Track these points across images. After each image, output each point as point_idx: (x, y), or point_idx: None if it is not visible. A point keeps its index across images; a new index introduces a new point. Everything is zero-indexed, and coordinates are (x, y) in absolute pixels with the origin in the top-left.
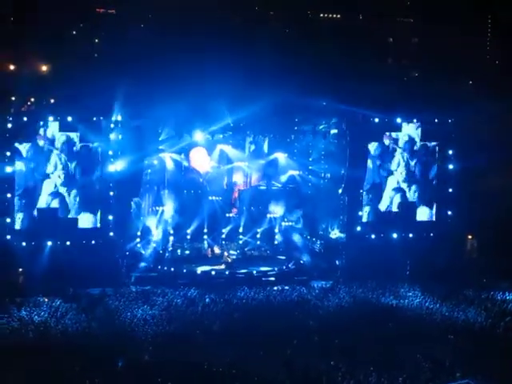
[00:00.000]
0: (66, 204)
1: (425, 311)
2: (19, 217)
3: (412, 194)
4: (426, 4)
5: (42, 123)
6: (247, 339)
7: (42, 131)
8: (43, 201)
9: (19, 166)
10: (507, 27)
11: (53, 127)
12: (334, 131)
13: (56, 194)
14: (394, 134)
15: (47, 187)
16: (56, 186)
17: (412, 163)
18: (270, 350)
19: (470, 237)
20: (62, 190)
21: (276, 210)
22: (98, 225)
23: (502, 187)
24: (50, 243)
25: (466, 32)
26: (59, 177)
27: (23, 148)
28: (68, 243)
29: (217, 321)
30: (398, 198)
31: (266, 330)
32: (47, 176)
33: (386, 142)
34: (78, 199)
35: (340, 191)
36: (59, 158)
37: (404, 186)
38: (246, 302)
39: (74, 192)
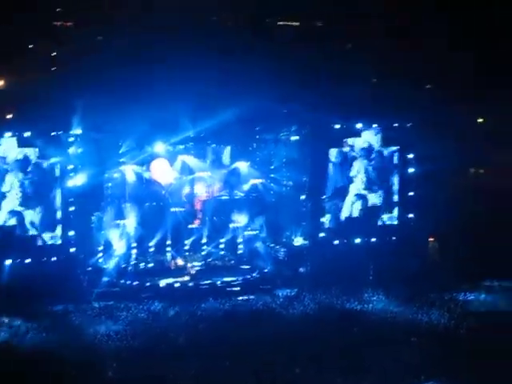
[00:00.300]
0: (26, 221)
1: (389, 315)
2: None
3: (374, 199)
4: (382, 8)
5: None
6: (213, 350)
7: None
8: (1, 219)
9: None
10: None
11: (10, 143)
12: (294, 138)
13: (14, 212)
14: (354, 140)
15: (5, 205)
16: (14, 203)
17: (373, 168)
18: (237, 360)
19: (431, 240)
20: (21, 207)
21: (239, 219)
22: (59, 241)
23: (463, 189)
24: (9, 262)
25: (423, 35)
26: (17, 194)
27: None
28: (28, 261)
29: (182, 333)
30: (360, 203)
31: (232, 340)
32: (4, 194)
33: (347, 147)
34: (37, 216)
35: (302, 198)
36: (17, 175)
37: (366, 190)
38: (211, 312)
39: (33, 208)
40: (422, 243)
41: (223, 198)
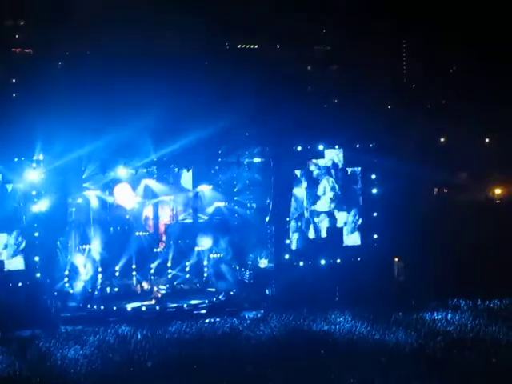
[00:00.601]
0: None
1: (356, 335)
2: None
3: (338, 220)
4: (342, 32)
5: None
6: (181, 373)
7: None
8: None
9: None
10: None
11: None
12: (257, 161)
13: None
14: (317, 161)
15: None
16: None
17: (336, 189)
18: (205, 381)
19: (396, 259)
20: None
21: (204, 242)
22: (24, 266)
23: (426, 208)
24: None
25: (382, 57)
26: None
27: None
28: None
29: (150, 357)
30: (324, 224)
31: (200, 362)
32: None
33: (310, 168)
34: (1, 241)
35: (267, 220)
36: None
37: (330, 212)
38: (178, 335)
39: None
40: (387, 263)
41: (187, 221)
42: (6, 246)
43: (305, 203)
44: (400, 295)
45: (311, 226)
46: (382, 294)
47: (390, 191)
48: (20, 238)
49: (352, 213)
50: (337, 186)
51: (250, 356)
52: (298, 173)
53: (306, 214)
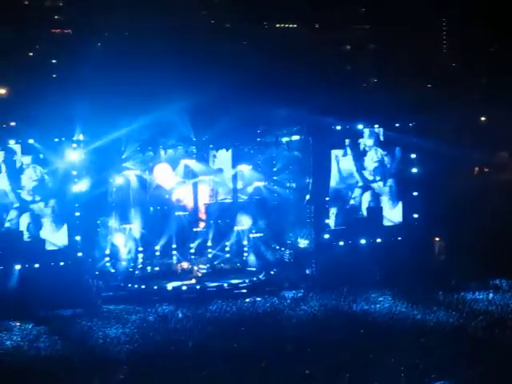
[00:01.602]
0: (33, 226)
1: (396, 315)
2: None
3: (378, 199)
4: (381, 10)
5: (1, 147)
6: (222, 353)
7: (2, 155)
8: (9, 224)
9: None
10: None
11: (14, 150)
12: (296, 140)
13: (22, 217)
14: (356, 140)
15: (12, 210)
16: (22, 208)
17: (376, 169)
18: (244, 361)
19: (437, 239)
20: (28, 212)
21: (243, 222)
22: (66, 246)
23: (467, 188)
24: (18, 266)
25: (422, 36)
26: (24, 199)
27: None
28: (37, 265)
29: (190, 336)
30: (363, 204)
31: (240, 341)
32: (12, 199)
33: (349, 148)
34: (44, 221)
35: (306, 200)
36: (23, 182)
37: (369, 191)
38: (219, 315)
39: (39, 214)
40: (427, 243)
41: (227, 201)
42: (48, 227)
43: (344, 183)
44: (440, 275)
45: (350, 206)
46: (422, 274)
47: (430, 171)
48: (62, 219)
49: (392, 192)
50: (376, 166)
51: (290, 335)
52: (336, 152)
53: (345, 194)
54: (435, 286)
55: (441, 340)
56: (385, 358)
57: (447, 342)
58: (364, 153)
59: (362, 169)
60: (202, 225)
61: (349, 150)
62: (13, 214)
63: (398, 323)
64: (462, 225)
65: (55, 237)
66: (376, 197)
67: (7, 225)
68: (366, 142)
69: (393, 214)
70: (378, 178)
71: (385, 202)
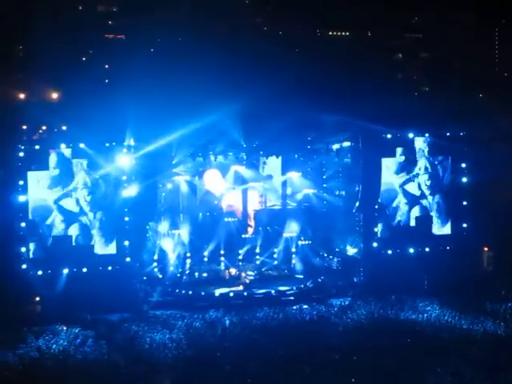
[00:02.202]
0: (82, 231)
1: (443, 325)
2: (35, 245)
3: (427, 208)
4: (433, 19)
5: (54, 150)
6: (268, 360)
7: (54, 159)
8: (58, 228)
9: (33, 194)
10: None
11: (65, 154)
12: (346, 148)
13: (71, 222)
14: (407, 149)
15: (62, 214)
16: (71, 213)
17: (426, 177)
18: (292, 368)
19: (486, 249)
20: (77, 217)
21: (292, 229)
22: (115, 250)
23: None
24: (66, 271)
25: (474, 45)
26: (73, 204)
27: (36, 176)
28: (85, 270)
29: (237, 342)
30: (413, 213)
31: (286, 348)
32: (62, 204)
33: (400, 157)
34: (93, 226)
35: (355, 208)
36: (73, 186)
37: (419, 200)
38: (266, 322)
39: (89, 218)
40: (477, 253)
41: (276, 207)
42: (97, 231)
43: (393, 192)
44: (489, 285)
45: (399, 215)
46: (470, 284)
47: (480, 180)
48: (111, 223)
49: (441, 201)
50: (426, 175)
51: (336, 343)
52: (386, 161)
53: (395, 203)
54: (483, 296)
55: (488, 350)
56: (431, 368)
57: (494, 353)
58: (414, 161)
59: (411, 177)
60: (250, 231)
61: (399, 159)
62: (62, 218)
63: (445, 333)
64: (511, 235)
65: (104, 241)
66: (425, 206)
67: (56, 229)
68: (417, 150)
69: (442, 223)
70: (428, 187)
71: (434, 211)
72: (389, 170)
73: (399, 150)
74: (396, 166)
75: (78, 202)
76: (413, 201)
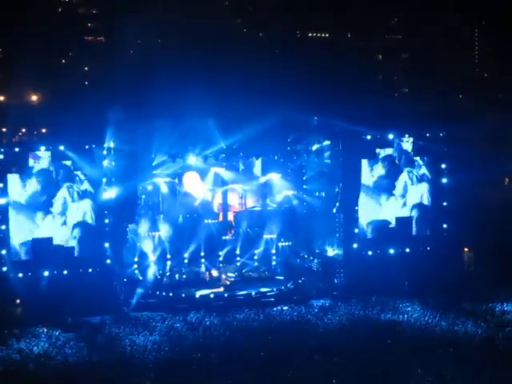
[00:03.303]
0: (62, 233)
1: (424, 325)
2: (15, 248)
3: (407, 209)
4: (412, 20)
5: (32, 153)
6: (249, 361)
7: (33, 162)
8: (38, 231)
9: (12, 197)
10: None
11: (44, 157)
12: (326, 149)
13: (51, 224)
14: (386, 150)
15: (41, 217)
16: (50, 215)
17: (405, 178)
18: (272, 370)
19: (466, 249)
20: (57, 219)
21: (272, 230)
22: (95, 252)
23: (496, 199)
24: (46, 273)
25: (453, 47)
26: (53, 206)
27: (15, 179)
28: (65, 272)
29: (218, 344)
30: (392, 213)
31: (267, 350)
32: (41, 206)
33: (379, 157)
34: (72, 228)
35: (335, 209)
36: (52, 188)
37: (398, 200)
38: (246, 323)
39: (68, 221)
40: (457, 253)
41: (256, 209)
42: (77, 233)
43: (373, 193)
44: (469, 285)
45: (379, 216)
46: (451, 284)
47: (460, 181)
48: (91, 225)
49: (421, 202)
50: (405, 176)
51: (317, 344)
52: (366, 162)
53: (374, 204)
54: (464, 296)
55: (469, 350)
56: (411, 369)
57: (476, 353)
58: (393, 162)
59: (391, 178)
60: (230, 233)
61: (378, 160)
62: (41, 219)
63: (426, 333)
64: (491, 235)
65: (83, 243)
66: (405, 206)
67: (36, 231)
68: (396, 151)
69: (422, 223)
70: (407, 188)
71: (414, 211)
72: (369, 171)
73: (379, 151)
74: (376, 167)
75: (57, 204)
76: (393, 201)
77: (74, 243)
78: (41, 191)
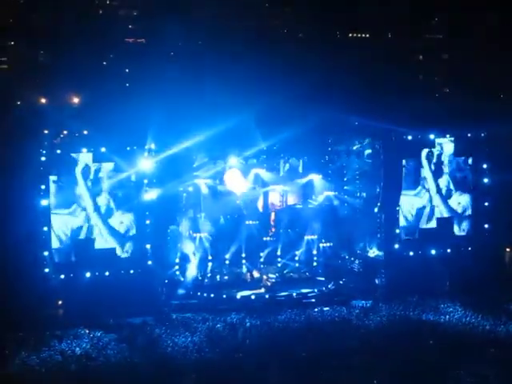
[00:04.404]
0: (103, 234)
1: (466, 326)
2: (56, 249)
3: (448, 209)
4: (454, 19)
5: (75, 155)
6: (290, 362)
7: (75, 163)
8: (80, 232)
9: (54, 199)
10: None
11: (87, 159)
12: (367, 150)
13: (93, 225)
14: (427, 150)
15: (83, 218)
16: (92, 216)
17: (447, 179)
18: (313, 370)
19: (508, 250)
20: (99, 220)
21: (313, 231)
22: (136, 254)
23: None
24: (88, 274)
25: (495, 46)
26: (95, 208)
27: (58, 180)
28: (107, 273)
29: (259, 345)
30: (434, 214)
31: (308, 351)
32: (83, 207)
33: (422, 157)
34: (115, 229)
35: (376, 210)
36: (94, 190)
37: (440, 201)
38: (287, 324)
39: (110, 222)
40: (499, 253)
41: (297, 206)
42: (118, 234)
43: (414, 193)
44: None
45: (421, 216)
46: (493, 285)
47: (502, 181)
48: (132, 226)
49: (463, 202)
50: (447, 176)
51: (358, 345)
52: (407, 162)
53: (416, 204)
54: (506, 296)
55: (510, 352)
56: (453, 370)
57: None
58: (435, 162)
59: (433, 179)
60: (271, 234)
61: (420, 160)
62: (84, 221)
63: (468, 334)
64: None
65: (126, 245)
66: (447, 207)
67: (78, 232)
68: (438, 152)
69: (464, 223)
70: (449, 188)
71: (456, 212)
72: (410, 172)
73: (420, 152)
74: (417, 168)
75: (100, 206)
76: (435, 202)
77: (115, 245)
78: (82, 193)
